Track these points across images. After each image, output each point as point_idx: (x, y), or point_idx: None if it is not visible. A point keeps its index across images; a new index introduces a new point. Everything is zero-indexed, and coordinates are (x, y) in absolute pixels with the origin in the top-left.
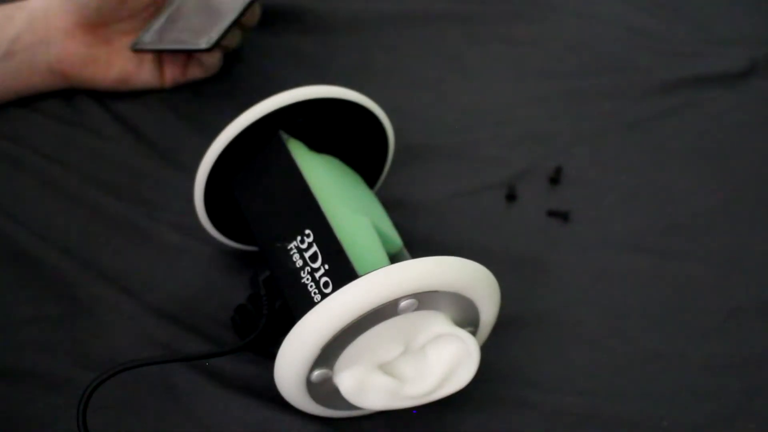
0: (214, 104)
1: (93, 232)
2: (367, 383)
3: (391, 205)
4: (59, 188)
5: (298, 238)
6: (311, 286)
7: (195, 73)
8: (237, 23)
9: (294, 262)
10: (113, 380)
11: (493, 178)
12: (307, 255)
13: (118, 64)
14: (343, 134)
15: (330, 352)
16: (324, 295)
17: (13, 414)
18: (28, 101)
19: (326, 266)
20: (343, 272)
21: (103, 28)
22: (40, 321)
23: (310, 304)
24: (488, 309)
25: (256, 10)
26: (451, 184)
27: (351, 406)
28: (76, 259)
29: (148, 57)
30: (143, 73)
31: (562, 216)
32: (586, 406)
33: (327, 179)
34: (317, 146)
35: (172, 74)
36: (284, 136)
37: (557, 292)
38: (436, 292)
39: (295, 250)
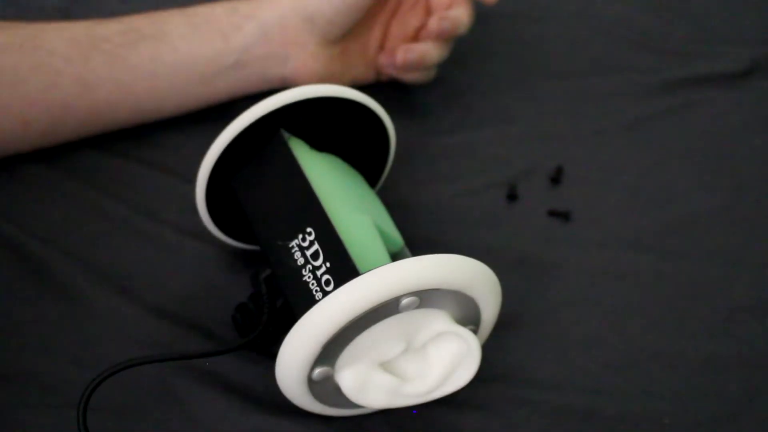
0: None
1: (93, 232)
2: (368, 381)
3: (392, 204)
4: (59, 189)
5: (300, 236)
6: (313, 284)
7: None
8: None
9: (295, 261)
10: (112, 382)
11: (493, 177)
12: (308, 253)
13: (350, 76)
14: (345, 133)
15: (331, 350)
16: (325, 293)
17: (12, 415)
18: None
19: (328, 264)
20: (344, 270)
21: (340, 42)
22: (40, 321)
23: (312, 301)
24: (489, 307)
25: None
26: (452, 184)
27: (352, 405)
28: (76, 259)
29: (375, 66)
30: (369, 79)
31: (563, 216)
32: (586, 404)
33: (328, 178)
34: (318, 145)
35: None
36: (285, 134)
37: (558, 292)
38: (437, 290)
39: (296, 248)
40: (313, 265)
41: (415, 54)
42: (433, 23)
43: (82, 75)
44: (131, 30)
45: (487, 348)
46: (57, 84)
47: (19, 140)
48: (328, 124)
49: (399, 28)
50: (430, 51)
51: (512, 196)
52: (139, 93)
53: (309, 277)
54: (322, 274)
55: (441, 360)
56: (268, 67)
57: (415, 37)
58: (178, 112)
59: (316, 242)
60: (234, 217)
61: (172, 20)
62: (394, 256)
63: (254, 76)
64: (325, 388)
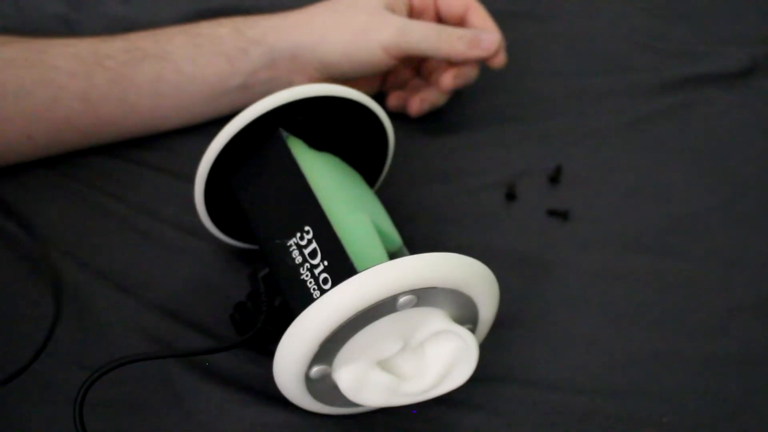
0: None
1: (93, 231)
2: (365, 380)
3: (390, 203)
4: (59, 189)
5: (298, 234)
6: (310, 283)
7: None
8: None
9: (293, 259)
10: (112, 378)
11: (492, 177)
12: (306, 251)
13: None
14: (344, 133)
15: (329, 349)
16: (323, 291)
17: (13, 412)
18: None
19: (325, 263)
20: (342, 269)
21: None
22: (40, 319)
23: (309, 300)
24: (487, 306)
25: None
26: (451, 183)
27: (350, 403)
28: (76, 258)
29: (377, 88)
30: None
31: (562, 215)
32: (585, 404)
33: (327, 177)
34: (317, 144)
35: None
36: (284, 133)
37: (557, 291)
38: (434, 288)
39: (294, 247)
40: (311, 264)
41: (428, 105)
42: (449, 80)
43: (85, 91)
44: (135, 49)
45: (486, 347)
46: (60, 99)
47: (23, 152)
48: (326, 124)
49: (405, 60)
50: (440, 99)
51: (511, 196)
52: (143, 110)
53: (307, 276)
54: (320, 273)
55: (438, 359)
56: (271, 89)
57: (418, 66)
58: (181, 126)
59: (314, 241)
60: (233, 215)
61: (176, 40)
62: (393, 255)
63: (257, 96)
64: (323, 386)
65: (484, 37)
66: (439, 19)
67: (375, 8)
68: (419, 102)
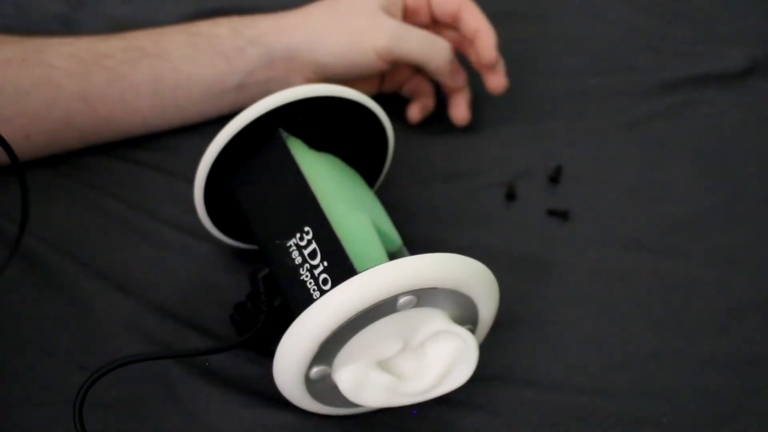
0: None
1: (93, 231)
2: (365, 380)
3: (390, 203)
4: (59, 189)
5: (298, 235)
6: (310, 283)
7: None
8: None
9: (293, 260)
10: (111, 379)
11: (492, 177)
12: (306, 252)
13: None
14: (343, 133)
15: (329, 349)
16: (323, 292)
17: (13, 412)
18: None
19: (325, 263)
20: (341, 269)
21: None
22: (40, 319)
23: (309, 300)
24: (487, 307)
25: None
26: (451, 183)
27: (350, 404)
28: (75, 258)
29: (377, 87)
30: (370, 94)
31: (562, 215)
32: (585, 404)
33: (326, 177)
34: (317, 145)
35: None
36: (284, 134)
37: (557, 291)
38: (434, 288)
39: (294, 248)
40: (310, 264)
41: (428, 111)
42: (416, 115)
43: (83, 90)
44: (133, 48)
45: (486, 347)
46: (59, 99)
47: (22, 152)
48: (326, 124)
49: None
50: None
51: (511, 196)
52: (141, 109)
53: (307, 276)
54: (319, 273)
55: (438, 359)
56: (269, 89)
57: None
58: (180, 126)
59: (313, 241)
60: (232, 216)
61: (174, 39)
62: (393, 256)
63: (255, 96)
64: (323, 387)
65: (461, 73)
66: (433, 18)
67: (372, 10)
68: (418, 110)
